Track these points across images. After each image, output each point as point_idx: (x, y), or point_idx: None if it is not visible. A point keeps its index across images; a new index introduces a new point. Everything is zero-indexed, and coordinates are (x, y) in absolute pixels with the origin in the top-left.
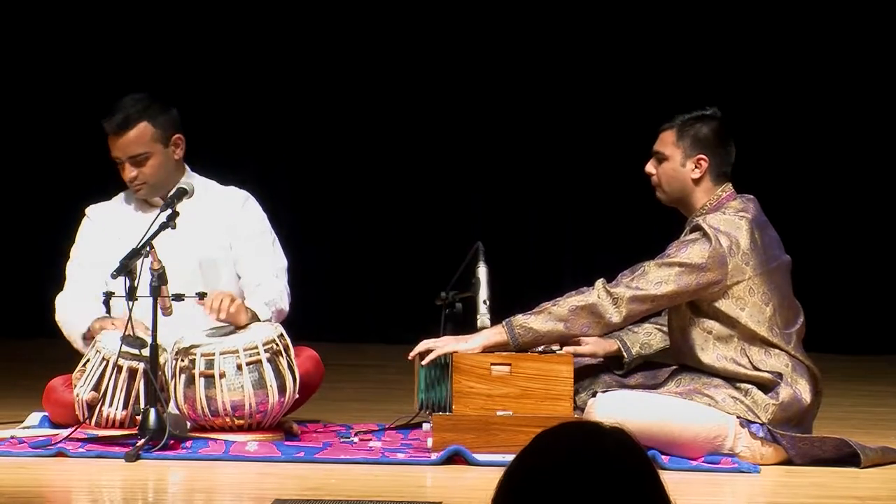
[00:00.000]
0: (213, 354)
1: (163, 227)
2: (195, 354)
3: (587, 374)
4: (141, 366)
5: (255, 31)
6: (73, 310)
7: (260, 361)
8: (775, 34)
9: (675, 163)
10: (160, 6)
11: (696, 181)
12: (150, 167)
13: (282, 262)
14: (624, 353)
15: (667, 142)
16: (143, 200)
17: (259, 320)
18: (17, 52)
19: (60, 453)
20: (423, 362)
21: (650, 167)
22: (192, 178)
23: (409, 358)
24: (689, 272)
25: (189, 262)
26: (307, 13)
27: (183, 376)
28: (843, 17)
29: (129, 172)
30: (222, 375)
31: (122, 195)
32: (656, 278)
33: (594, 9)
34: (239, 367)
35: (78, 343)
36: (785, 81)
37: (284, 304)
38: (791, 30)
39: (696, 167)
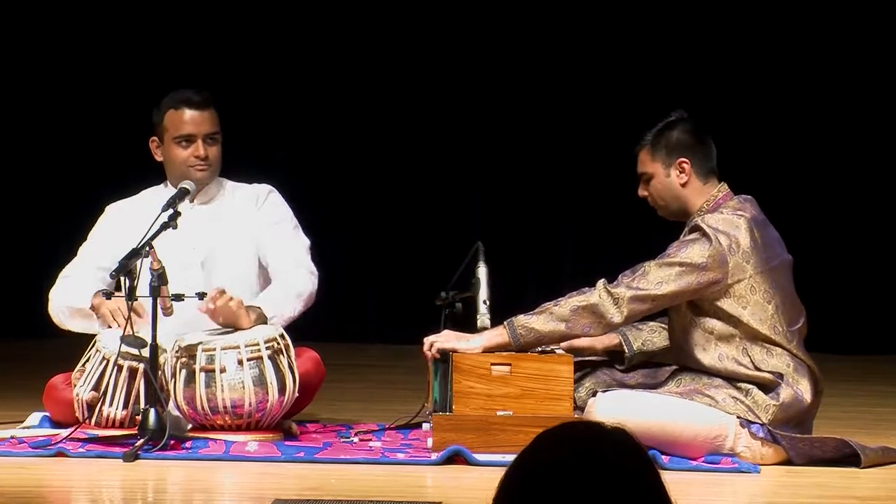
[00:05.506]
0: (214, 349)
1: (164, 227)
2: (196, 350)
3: (587, 372)
4: (141, 366)
5: (255, 31)
6: (66, 295)
7: (261, 358)
8: (775, 35)
9: (660, 177)
10: (168, 6)
11: (685, 185)
12: (217, 151)
13: (304, 243)
14: (625, 349)
15: (645, 161)
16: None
17: (265, 321)
18: (17, 54)
19: (60, 453)
20: (426, 358)
21: (641, 191)
22: (221, 181)
23: (428, 360)
24: (690, 272)
25: (226, 266)
26: (306, 12)
27: (183, 373)
28: (842, 17)
29: (202, 150)
30: (223, 370)
31: (144, 193)
32: (657, 278)
33: (594, 8)
34: (240, 363)
35: (73, 322)
36: (785, 82)
37: (306, 288)
38: (791, 30)
39: (680, 172)
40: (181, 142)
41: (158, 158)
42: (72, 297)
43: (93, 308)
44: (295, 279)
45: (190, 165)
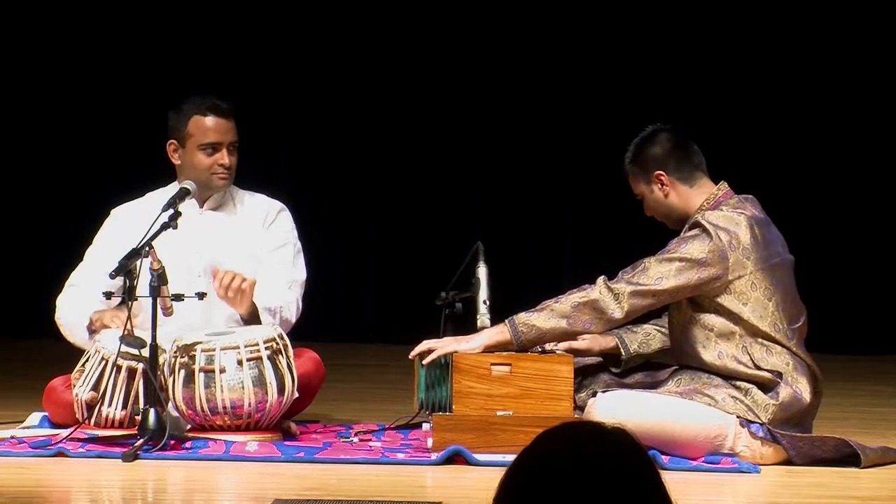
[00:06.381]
0: (214, 350)
1: (164, 227)
2: (196, 350)
3: (586, 374)
4: (140, 366)
5: (259, 37)
6: (73, 307)
7: (260, 358)
8: (776, 35)
9: (648, 194)
10: (173, 11)
11: (668, 195)
12: (236, 159)
13: (300, 275)
14: (622, 351)
15: (633, 184)
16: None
17: (259, 322)
18: (24, 57)
19: (60, 453)
20: (424, 362)
21: (645, 210)
22: (232, 188)
23: (410, 357)
24: (690, 267)
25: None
26: (308, 17)
27: (182, 373)
28: (843, 16)
29: (226, 158)
30: (222, 370)
31: (150, 195)
32: (657, 273)
33: (595, 8)
34: (239, 363)
35: (78, 337)
36: (786, 82)
37: (291, 315)
38: (791, 30)
39: (660, 184)
40: (206, 149)
41: (176, 162)
42: (76, 312)
43: (91, 324)
44: (281, 302)
45: (213, 173)
